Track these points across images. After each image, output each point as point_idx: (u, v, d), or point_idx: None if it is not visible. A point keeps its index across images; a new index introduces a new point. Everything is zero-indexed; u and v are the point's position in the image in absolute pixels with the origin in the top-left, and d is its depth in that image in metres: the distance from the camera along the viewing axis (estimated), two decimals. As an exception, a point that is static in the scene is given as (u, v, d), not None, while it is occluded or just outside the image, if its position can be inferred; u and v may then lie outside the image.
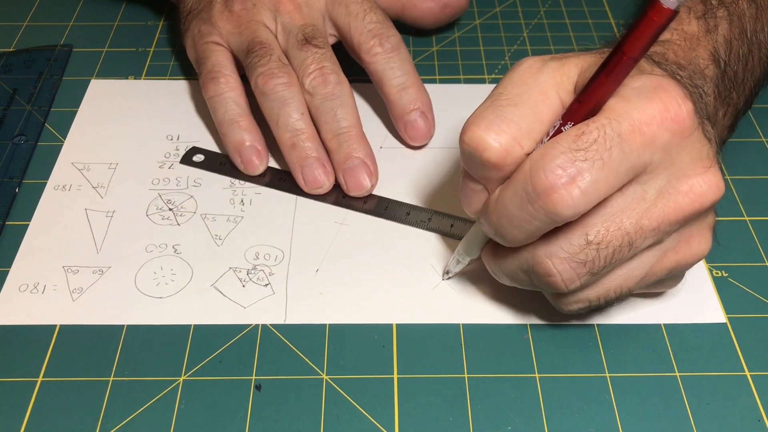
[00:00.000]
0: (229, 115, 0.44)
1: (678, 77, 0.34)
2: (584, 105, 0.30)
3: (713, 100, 0.38)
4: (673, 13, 0.27)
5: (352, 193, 0.43)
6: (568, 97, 0.32)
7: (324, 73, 0.43)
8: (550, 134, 0.31)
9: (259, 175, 0.44)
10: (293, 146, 0.43)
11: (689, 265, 0.34)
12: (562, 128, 0.30)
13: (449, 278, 0.39)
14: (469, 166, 0.33)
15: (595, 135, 0.29)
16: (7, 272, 0.40)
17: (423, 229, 0.42)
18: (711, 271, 0.40)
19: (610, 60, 0.29)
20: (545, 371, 0.36)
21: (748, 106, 0.44)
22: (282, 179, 0.44)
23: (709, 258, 0.40)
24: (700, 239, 0.33)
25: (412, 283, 0.39)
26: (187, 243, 0.41)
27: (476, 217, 0.34)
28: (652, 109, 0.30)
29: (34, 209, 0.43)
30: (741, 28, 0.41)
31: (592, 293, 0.33)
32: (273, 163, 0.45)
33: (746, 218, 0.43)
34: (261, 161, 0.44)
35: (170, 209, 0.43)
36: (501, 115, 0.31)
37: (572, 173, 0.29)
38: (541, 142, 0.31)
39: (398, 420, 0.34)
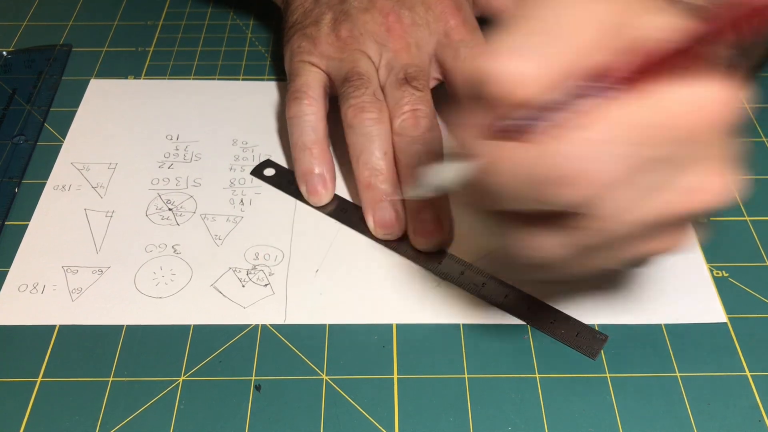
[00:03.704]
0: (302, 140, 0.43)
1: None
2: (631, 78, 0.25)
3: None
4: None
5: (418, 246, 0.40)
6: (606, 33, 0.26)
7: (417, 116, 0.41)
8: (581, 89, 0.25)
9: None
10: (369, 186, 0.41)
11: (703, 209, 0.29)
12: (603, 90, 0.25)
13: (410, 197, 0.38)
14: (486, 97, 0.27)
15: (643, 116, 0.25)
16: (6, 272, 0.39)
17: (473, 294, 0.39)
18: (711, 271, 0.40)
19: (685, 51, 0.24)
20: (545, 371, 0.36)
21: None
22: (345, 210, 0.43)
23: (709, 258, 0.40)
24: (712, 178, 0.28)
25: (412, 283, 0.39)
26: (186, 243, 0.41)
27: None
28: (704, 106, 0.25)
29: (33, 209, 0.43)
30: None
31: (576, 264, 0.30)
32: (344, 193, 0.44)
33: (746, 218, 0.43)
34: (326, 192, 0.43)
35: (170, 209, 0.43)
36: (534, 40, 0.26)
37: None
38: (573, 82, 0.26)
39: (398, 420, 0.34)
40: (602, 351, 0.36)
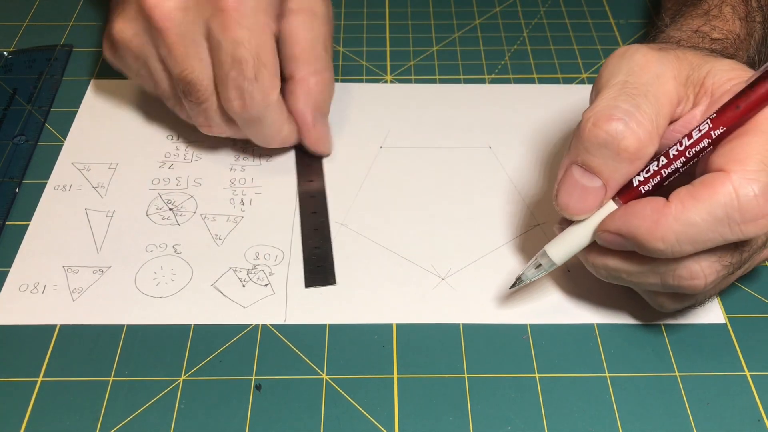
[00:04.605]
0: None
1: None
2: (743, 113, 0.30)
3: None
4: None
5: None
6: (683, 92, 0.32)
7: (210, 126, 0.43)
8: (695, 137, 0.31)
9: None
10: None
11: None
12: (712, 132, 0.31)
13: (518, 287, 0.36)
14: (598, 157, 0.31)
15: None
16: (7, 272, 0.40)
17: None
18: (711, 271, 0.40)
19: None
20: (545, 371, 0.36)
21: None
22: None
23: (709, 258, 0.40)
24: None
25: (412, 283, 0.39)
26: (187, 243, 0.41)
27: (582, 218, 0.33)
28: None
29: (34, 209, 0.43)
30: None
31: (706, 295, 0.35)
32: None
33: (746, 218, 0.42)
34: None
35: (170, 209, 0.43)
36: (636, 105, 0.31)
37: None
38: (677, 141, 0.31)
39: (398, 420, 0.34)
40: (602, 351, 0.36)
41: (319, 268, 0.40)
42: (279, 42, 0.42)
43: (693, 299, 0.35)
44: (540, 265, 0.35)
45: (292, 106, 0.43)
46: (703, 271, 0.31)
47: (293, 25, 0.43)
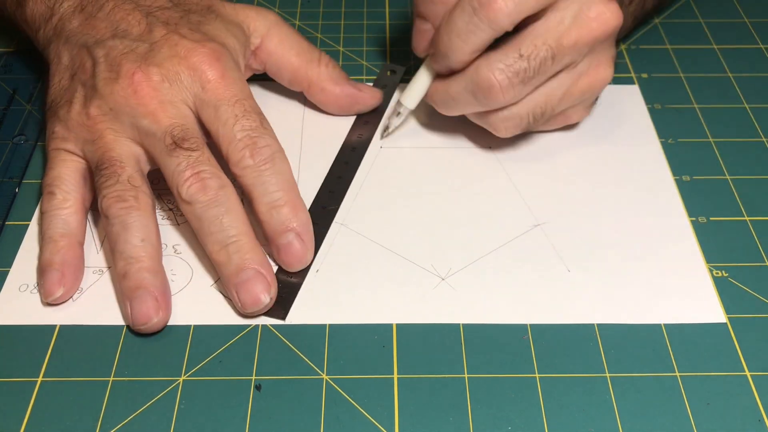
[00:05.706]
0: (50, 233, 0.39)
1: None
2: None
3: None
4: None
5: (248, 311, 0.37)
6: None
7: (202, 179, 0.38)
8: None
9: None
10: (125, 275, 0.37)
11: (597, 91, 0.43)
12: None
13: (388, 135, 0.47)
14: (422, 6, 0.42)
15: None
16: (7, 272, 0.40)
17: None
18: (711, 271, 0.40)
19: None
20: (545, 371, 0.36)
21: (656, 11, 0.56)
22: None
23: (709, 258, 0.40)
24: (605, 66, 0.43)
25: (412, 283, 0.39)
26: (187, 243, 0.41)
27: (424, 54, 0.44)
28: None
29: (34, 209, 0.43)
30: None
31: (522, 109, 0.42)
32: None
33: (746, 218, 0.43)
34: (60, 290, 0.38)
35: (170, 209, 0.43)
36: None
37: None
38: None
39: (398, 420, 0.34)
40: (602, 351, 0.36)
41: (278, 299, 0.38)
42: (272, 68, 0.47)
43: (515, 119, 0.42)
44: (399, 113, 0.46)
45: (325, 98, 0.48)
46: (495, 77, 0.40)
47: (274, 47, 0.47)
